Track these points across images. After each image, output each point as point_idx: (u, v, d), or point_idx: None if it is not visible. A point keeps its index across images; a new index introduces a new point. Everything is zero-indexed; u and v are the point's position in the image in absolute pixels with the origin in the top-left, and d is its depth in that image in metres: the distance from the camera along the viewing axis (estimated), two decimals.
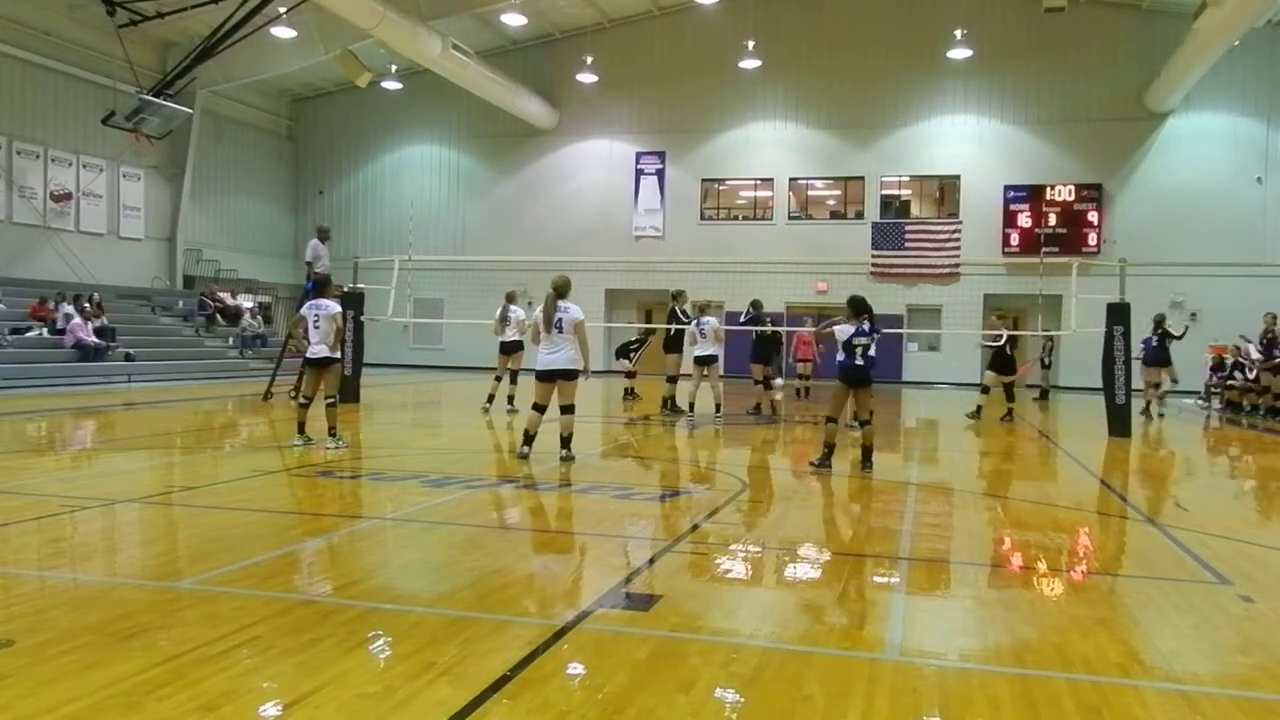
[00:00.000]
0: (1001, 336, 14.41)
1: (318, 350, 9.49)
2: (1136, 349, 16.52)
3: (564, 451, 8.79)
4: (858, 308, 8.84)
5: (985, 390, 14.45)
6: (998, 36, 24.94)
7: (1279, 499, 8.90)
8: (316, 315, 9.51)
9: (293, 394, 15.16)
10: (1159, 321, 16.41)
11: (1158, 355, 16.38)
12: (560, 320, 8.65)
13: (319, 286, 10.00)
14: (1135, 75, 24.23)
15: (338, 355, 9.68)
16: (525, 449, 8.87)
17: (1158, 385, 16.55)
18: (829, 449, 8.81)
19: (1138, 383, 17.26)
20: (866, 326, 8.74)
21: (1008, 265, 25.02)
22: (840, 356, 8.82)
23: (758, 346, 14.42)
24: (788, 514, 7.24)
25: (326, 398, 9.50)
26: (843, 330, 8.81)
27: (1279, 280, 23.22)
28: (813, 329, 16.80)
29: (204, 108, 25.27)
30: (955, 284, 25.03)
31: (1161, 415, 16.30)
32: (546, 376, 8.79)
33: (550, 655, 3.61)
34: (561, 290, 8.75)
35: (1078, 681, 3.48)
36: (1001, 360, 14.41)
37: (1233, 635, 4.12)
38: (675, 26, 27.44)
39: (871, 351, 8.76)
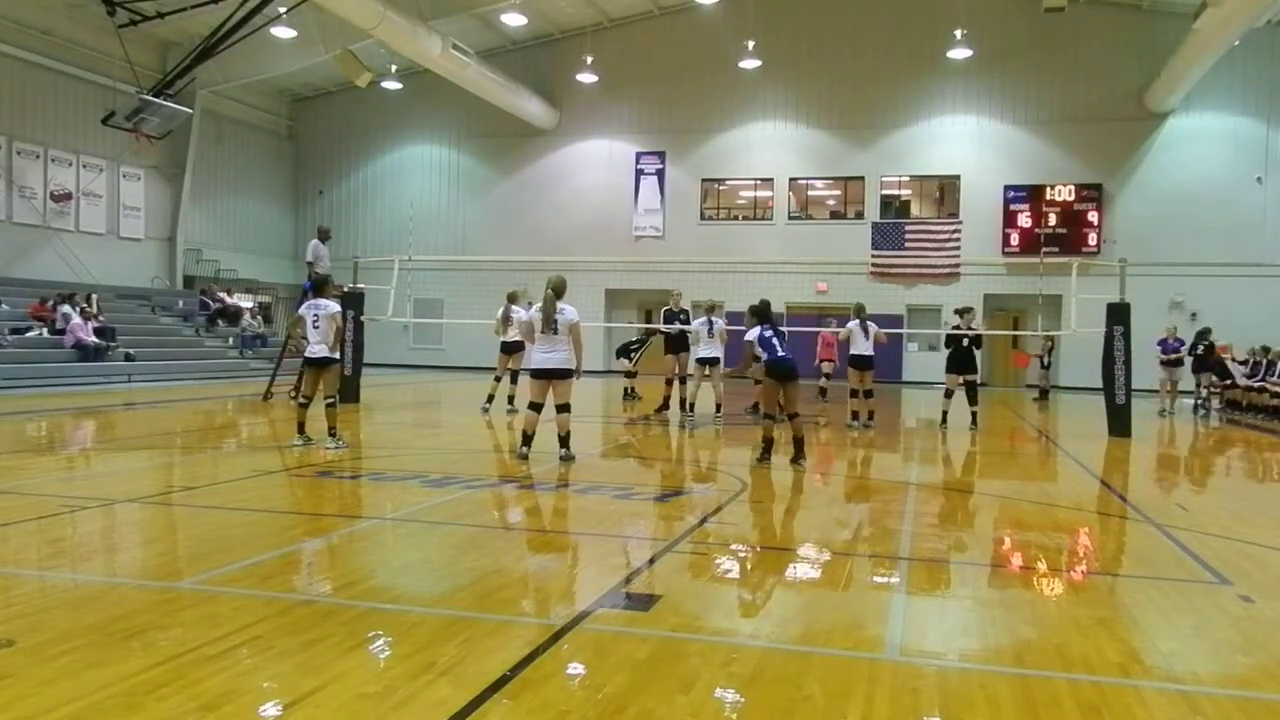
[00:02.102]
0: (960, 326, 13.26)
1: (317, 350, 9.50)
2: (1153, 348, 17.32)
3: (563, 451, 8.84)
4: (759, 314, 9.16)
5: (949, 394, 13.48)
6: (998, 36, 24.94)
7: (1279, 499, 8.90)
8: (316, 315, 9.53)
9: (292, 394, 15.16)
10: (1204, 334, 17.87)
11: (1179, 358, 17.33)
12: (556, 321, 8.78)
13: (318, 286, 10.01)
14: (1135, 75, 24.24)
15: (337, 355, 9.70)
16: (524, 449, 8.91)
17: (1176, 384, 17.35)
18: (768, 444, 9.01)
19: (1149, 383, 17.76)
20: (769, 329, 9.01)
21: (1008, 265, 25.02)
22: (765, 355, 8.97)
23: None
24: (788, 514, 7.25)
25: (326, 398, 9.51)
26: (753, 333, 9.10)
27: (1279, 280, 23.25)
28: (836, 329, 16.76)
29: (204, 108, 25.27)
30: (955, 284, 25.02)
31: (1173, 414, 16.91)
32: (541, 375, 8.93)
33: (550, 655, 3.61)
34: (560, 291, 8.88)
35: (1078, 681, 3.48)
36: (959, 358, 13.26)
37: (1233, 635, 4.12)
38: (675, 26, 27.43)
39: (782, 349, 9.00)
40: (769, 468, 8.77)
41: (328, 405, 9.50)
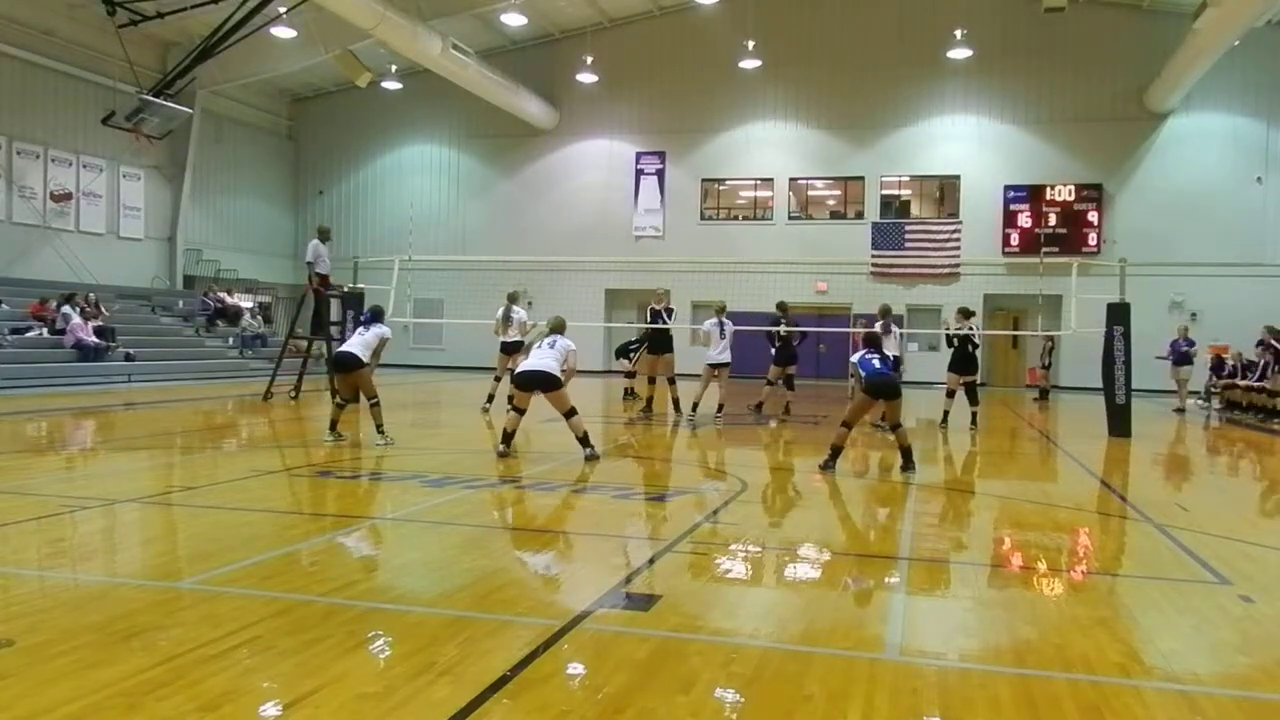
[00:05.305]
0: (963, 330, 13.22)
1: (349, 347, 9.96)
2: (1164, 351, 18.20)
3: (587, 451, 8.93)
4: (866, 341, 9.06)
5: (950, 394, 13.46)
6: (998, 36, 24.94)
7: (1279, 499, 8.90)
8: (365, 329, 10.04)
9: (293, 394, 15.20)
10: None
11: (1186, 357, 17.92)
12: (554, 341, 9.12)
13: (376, 316, 10.36)
14: (1135, 75, 24.22)
15: (364, 360, 9.85)
16: (503, 447, 9.04)
17: (1184, 382, 17.99)
18: (836, 452, 8.71)
19: (1154, 383, 18.04)
20: (872, 353, 8.88)
21: (1008, 265, 25.02)
22: (863, 373, 8.78)
23: (781, 349, 14.33)
24: (788, 514, 7.25)
25: (370, 400, 9.90)
26: (855, 357, 9.08)
27: (1279, 280, 23.24)
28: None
29: (204, 108, 25.26)
30: (955, 284, 25.00)
31: (1182, 410, 17.41)
32: (526, 383, 9.03)
33: (550, 655, 3.61)
34: (555, 329, 9.30)
35: (1078, 681, 3.48)
36: (961, 360, 13.32)
37: (1233, 635, 4.12)
38: (675, 26, 27.43)
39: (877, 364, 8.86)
40: (831, 475, 8.44)
41: (372, 406, 9.92)
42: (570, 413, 8.96)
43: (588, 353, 23.38)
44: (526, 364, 9.21)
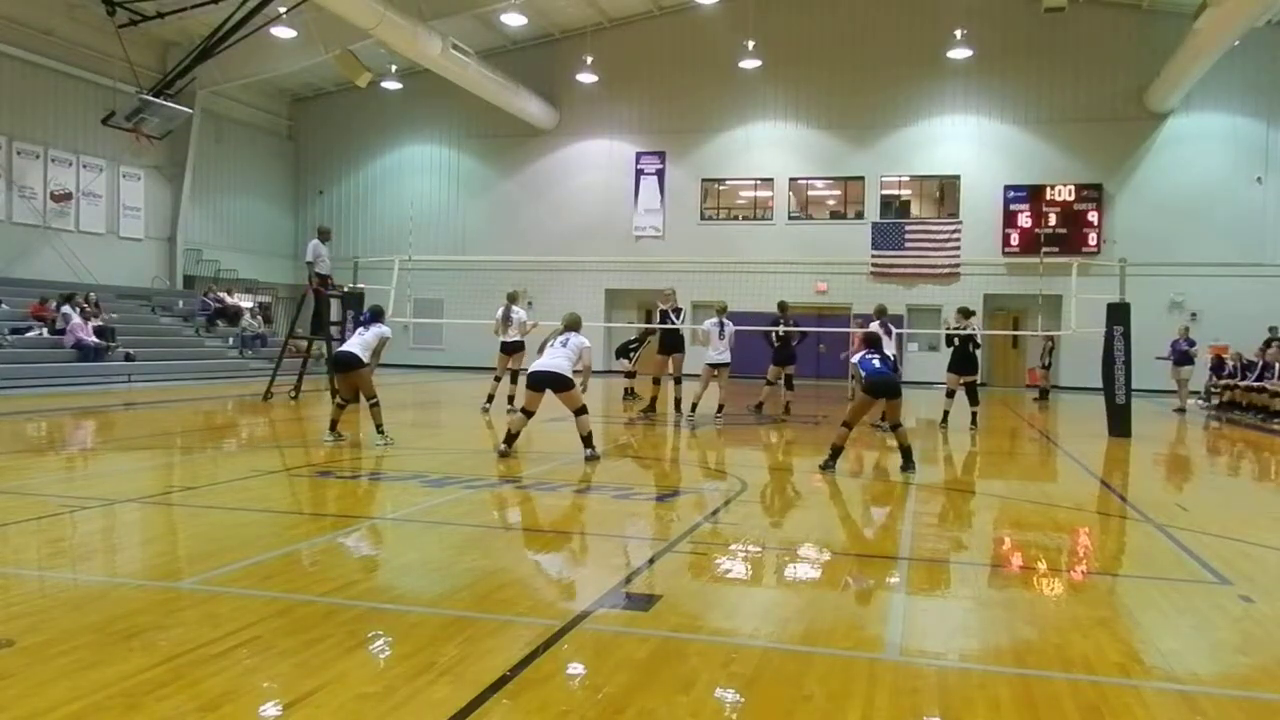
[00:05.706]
0: (964, 330, 13.32)
1: (349, 346, 9.99)
2: (1164, 351, 18.41)
3: (588, 451, 8.91)
4: (867, 341, 9.14)
5: (950, 394, 13.54)
6: (998, 36, 24.94)
7: (1279, 499, 8.90)
8: (365, 329, 10.06)
9: (293, 394, 15.20)
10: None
11: (1186, 357, 18.10)
12: (568, 339, 9.02)
13: (376, 316, 10.38)
14: (1135, 75, 24.23)
15: (365, 361, 9.85)
16: (504, 446, 9.02)
17: (1185, 382, 18.18)
18: (837, 452, 8.72)
19: (1154, 383, 18.12)
20: (873, 354, 8.94)
21: (1008, 265, 25.01)
22: (864, 373, 8.84)
23: (780, 348, 14.36)
24: (788, 514, 7.25)
25: (369, 400, 9.91)
26: (856, 357, 9.19)
27: (1279, 280, 23.25)
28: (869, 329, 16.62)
29: (204, 108, 25.26)
30: (955, 284, 25.00)
31: (1183, 410, 17.50)
32: (538, 383, 8.90)
33: (550, 655, 3.61)
34: (570, 325, 9.20)
35: (1078, 681, 3.48)
36: (961, 360, 13.45)
37: (1233, 635, 4.12)
38: (675, 26, 27.43)
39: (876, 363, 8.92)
40: (831, 475, 8.45)
41: (372, 406, 9.91)
42: (580, 410, 8.94)
43: None
44: (538, 363, 8.99)
